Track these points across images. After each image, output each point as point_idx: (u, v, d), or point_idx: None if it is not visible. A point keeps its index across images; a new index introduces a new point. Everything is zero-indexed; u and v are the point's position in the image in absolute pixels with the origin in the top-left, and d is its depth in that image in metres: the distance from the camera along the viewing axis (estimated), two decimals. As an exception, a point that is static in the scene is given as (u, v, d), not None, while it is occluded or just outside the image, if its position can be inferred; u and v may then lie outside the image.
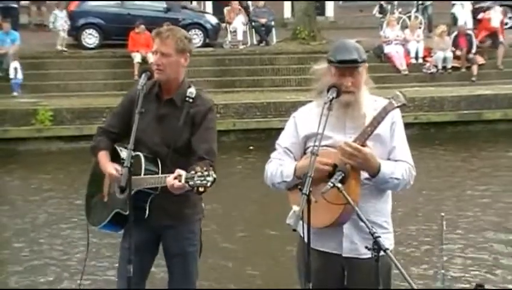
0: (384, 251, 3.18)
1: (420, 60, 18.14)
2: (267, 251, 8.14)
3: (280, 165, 3.58)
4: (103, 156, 4.06)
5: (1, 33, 16.82)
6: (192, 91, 4.05)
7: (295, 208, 3.18)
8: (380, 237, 3.20)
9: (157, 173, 3.88)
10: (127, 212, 3.80)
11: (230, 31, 19.38)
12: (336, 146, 3.42)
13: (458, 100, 16.16)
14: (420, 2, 21.65)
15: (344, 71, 3.45)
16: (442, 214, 5.82)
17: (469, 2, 21.02)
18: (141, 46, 16.78)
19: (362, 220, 3.22)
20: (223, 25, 19.80)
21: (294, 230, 3.21)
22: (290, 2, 24.10)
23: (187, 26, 17.32)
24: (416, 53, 18.21)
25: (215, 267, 7.38)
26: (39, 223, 9.36)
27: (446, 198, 10.36)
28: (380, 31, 19.09)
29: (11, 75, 15.74)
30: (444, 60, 17.72)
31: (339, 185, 3.24)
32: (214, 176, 3.55)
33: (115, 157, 4.05)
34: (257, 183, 9.74)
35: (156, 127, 4.00)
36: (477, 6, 21.28)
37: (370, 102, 3.53)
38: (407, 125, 3.71)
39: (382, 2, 21.22)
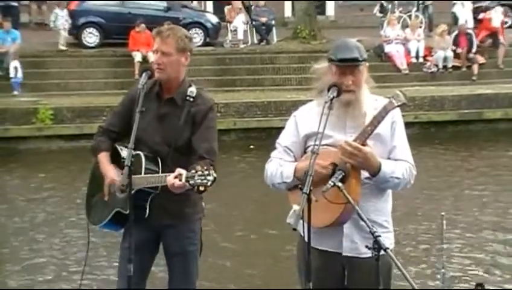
0: (385, 250, 3.18)
1: (421, 59, 18.15)
2: (267, 251, 8.14)
3: (280, 166, 3.58)
4: (104, 159, 4.05)
5: (2, 32, 16.82)
6: (192, 90, 4.05)
7: (295, 207, 3.18)
8: (380, 236, 3.20)
9: (158, 172, 3.88)
10: (128, 211, 3.79)
11: (231, 30, 19.38)
12: (336, 145, 3.41)
13: (459, 99, 16.16)
14: (421, 1, 21.67)
15: (345, 70, 3.45)
16: (443, 213, 5.82)
17: (469, 2, 21.01)
18: (142, 45, 16.78)
19: (363, 219, 3.22)
20: (224, 24, 19.81)
21: (295, 229, 3.21)
22: (290, 1, 24.09)
23: (187, 25, 17.30)
24: (417, 52, 18.22)
25: (215, 267, 7.38)
26: (38, 222, 9.37)
27: (445, 197, 10.36)
28: (381, 30, 19.08)
29: (11, 74, 15.74)
30: (445, 59, 17.72)
31: (340, 184, 3.24)
32: (215, 175, 3.55)
33: (116, 157, 4.05)
34: (257, 183, 9.72)
35: (156, 126, 4.00)
36: (477, 5, 21.29)
37: (371, 101, 3.53)
38: (407, 125, 3.71)
39: (383, 1, 21.22)
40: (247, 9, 19.91)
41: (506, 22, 20.93)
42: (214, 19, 19.85)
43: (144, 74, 3.88)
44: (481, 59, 18.02)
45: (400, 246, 7.52)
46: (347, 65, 3.44)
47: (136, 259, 3.71)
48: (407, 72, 17.71)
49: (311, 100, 3.70)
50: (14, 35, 16.89)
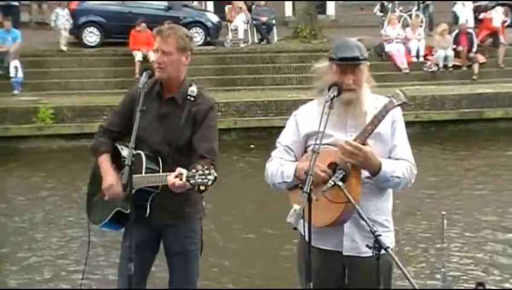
0: (385, 249, 3.18)
1: (421, 59, 18.16)
2: (267, 250, 8.14)
3: (281, 165, 3.58)
4: (104, 161, 4.05)
5: (2, 31, 16.83)
6: (193, 90, 4.05)
7: (296, 206, 3.18)
8: (380, 235, 3.20)
9: (158, 172, 3.88)
10: (128, 211, 3.80)
11: (232, 30, 19.39)
12: (337, 144, 3.41)
13: (459, 99, 16.16)
14: (421, 0, 21.65)
15: (345, 69, 3.45)
16: (443, 212, 5.82)
17: (470, 1, 21.01)
18: (142, 45, 16.79)
19: (363, 219, 3.22)
20: (224, 23, 19.80)
21: (295, 229, 3.21)
22: (291, 1, 24.08)
23: (188, 25, 17.30)
24: (417, 51, 18.22)
25: (214, 267, 7.38)
26: (38, 222, 9.37)
27: (445, 197, 10.36)
28: (381, 30, 19.09)
29: (12, 74, 15.76)
30: (445, 58, 17.72)
31: (340, 183, 3.23)
32: (215, 174, 3.55)
33: (116, 156, 4.05)
34: (257, 182, 9.73)
35: (157, 126, 4.00)
36: (477, 4, 21.31)
37: (371, 100, 3.53)
38: (408, 124, 3.71)
39: (383, 1, 21.22)
40: (250, 10, 19.92)
41: (505, 21, 20.93)
42: (215, 18, 19.86)
43: (144, 73, 3.88)
44: (482, 58, 18.02)
45: (400, 245, 7.51)
46: (348, 64, 3.44)
47: (136, 258, 3.71)
48: (407, 71, 17.71)
49: (311, 99, 3.70)
50: (14, 35, 16.90)
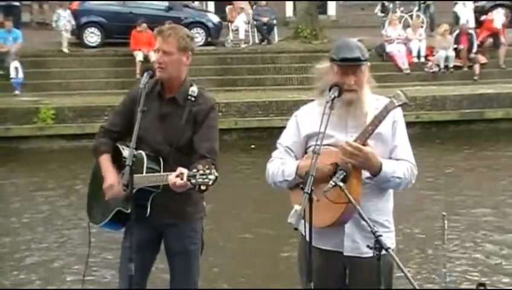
0: (386, 250, 3.18)
1: (422, 59, 18.17)
2: (267, 250, 8.14)
3: (282, 164, 3.58)
4: (104, 161, 4.05)
5: (3, 31, 16.85)
6: (194, 90, 4.05)
7: (297, 207, 3.18)
8: (381, 235, 3.20)
9: (159, 172, 3.89)
10: (129, 211, 3.80)
11: (232, 30, 19.40)
12: (337, 145, 3.41)
13: (460, 99, 16.17)
14: (422, 1, 21.65)
15: (347, 69, 3.45)
16: (444, 213, 5.81)
17: (471, 1, 21.01)
18: (143, 45, 16.80)
19: (364, 219, 3.22)
20: (225, 23, 19.81)
21: (296, 229, 3.21)
22: (292, 1, 24.09)
23: (189, 25, 17.28)
24: (418, 52, 18.23)
25: (214, 266, 7.38)
26: (38, 222, 9.36)
27: (445, 197, 10.35)
28: (382, 30, 19.09)
29: (12, 75, 15.77)
30: (446, 59, 17.72)
31: (341, 183, 3.24)
32: (216, 174, 3.56)
33: (117, 156, 4.05)
34: (258, 182, 9.77)
35: (158, 126, 4.00)
36: (477, 4, 21.32)
37: (372, 101, 3.53)
38: (408, 124, 3.71)
39: (384, 1, 21.21)
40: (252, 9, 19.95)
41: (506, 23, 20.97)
42: (215, 19, 19.87)
43: (145, 74, 3.88)
44: (483, 59, 18.03)
45: (400, 246, 7.51)
46: (349, 65, 3.44)
47: (137, 258, 3.70)
48: (408, 71, 17.72)
49: (312, 100, 3.70)
50: (15, 35, 16.92)
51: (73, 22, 18.11)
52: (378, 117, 3.40)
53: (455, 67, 17.85)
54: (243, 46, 18.92)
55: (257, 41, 19.49)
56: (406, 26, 19.33)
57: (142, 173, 3.84)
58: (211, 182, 3.54)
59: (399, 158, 3.51)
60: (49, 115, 14.42)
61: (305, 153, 3.58)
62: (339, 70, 3.47)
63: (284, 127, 3.74)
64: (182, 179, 3.60)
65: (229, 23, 19.57)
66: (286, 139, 3.66)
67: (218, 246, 8.08)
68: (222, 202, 9.30)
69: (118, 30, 18.19)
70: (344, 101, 3.45)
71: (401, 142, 3.55)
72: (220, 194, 8.45)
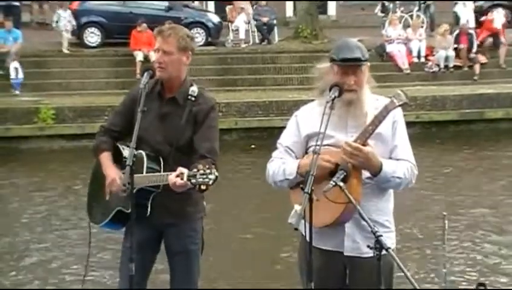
0: (387, 250, 3.18)
1: (422, 59, 18.17)
2: (267, 250, 8.14)
3: (282, 163, 3.58)
4: (105, 159, 4.05)
5: (3, 31, 16.85)
6: (194, 90, 4.05)
7: (297, 207, 3.18)
8: (382, 236, 3.19)
9: (160, 172, 3.89)
10: (129, 210, 3.80)
11: (233, 30, 19.41)
12: (337, 145, 3.41)
13: (460, 99, 16.17)
14: (422, 1, 21.66)
15: (347, 70, 3.45)
16: (444, 213, 5.81)
17: (471, 1, 21.02)
18: (143, 45, 16.80)
19: (364, 219, 3.22)
20: (225, 23, 19.81)
21: (296, 229, 3.21)
22: (292, 1, 24.10)
23: (189, 25, 17.28)
24: (418, 52, 18.23)
25: (214, 266, 7.38)
26: (39, 222, 9.37)
27: (445, 197, 10.35)
28: (382, 30, 19.09)
29: (12, 76, 15.77)
30: (446, 59, 17.72)
31: (341, 183, 3.24)
32: (216, 174, 3.56)
33: (117, 156, 4.05)
34: (258, 183, 9.76)
35: (158, 126, 4.01)
36: (477, 4, 21.32)
37: (372, 101, 3.53)
38: (408, 124, 3.71)
39: (384, 1, 21.22)
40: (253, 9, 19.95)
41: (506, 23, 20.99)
42: (216, 19, 19.87)
43: (145, 74, 3.88)
44: (483, 59, 18.03)
45: (400, 246, 7.51)
46: (349, 65, 3.45)
47: (137, 258, 3.71)
48: (408, 71, 17.72)
49: (312, 100, 3.70)
50: (15, 35, 16.91)
51: (73, 22, 18.11)
52: (378, 117, 3.40)
53: (455, 67, 17.85)
54: (243, 46, 18.92)
55: (257, 41, 19.49)
56: (406, 26, 19.33)
57: (142, 173, 3.85)
58: (211, 182, 3.54)
59: (399, 158, 3.51)
60: (49, 115, 14.42)
61: (306, 153, 3.58)
62: (339, 71, 3.47)
63: (284, 127, 3.74)
64: (182, 179, 3.61)
65: (229, 23, 19.57)
66: (286, 139, 3.66)
67: (218, 246, 8.08)
68: (222, 202, 9.30)
69: (118, 30, 18.20)
70: (344, 101, 3.45)
71: (401, 142, 3.55)
72: (220, 194, 8.46)
